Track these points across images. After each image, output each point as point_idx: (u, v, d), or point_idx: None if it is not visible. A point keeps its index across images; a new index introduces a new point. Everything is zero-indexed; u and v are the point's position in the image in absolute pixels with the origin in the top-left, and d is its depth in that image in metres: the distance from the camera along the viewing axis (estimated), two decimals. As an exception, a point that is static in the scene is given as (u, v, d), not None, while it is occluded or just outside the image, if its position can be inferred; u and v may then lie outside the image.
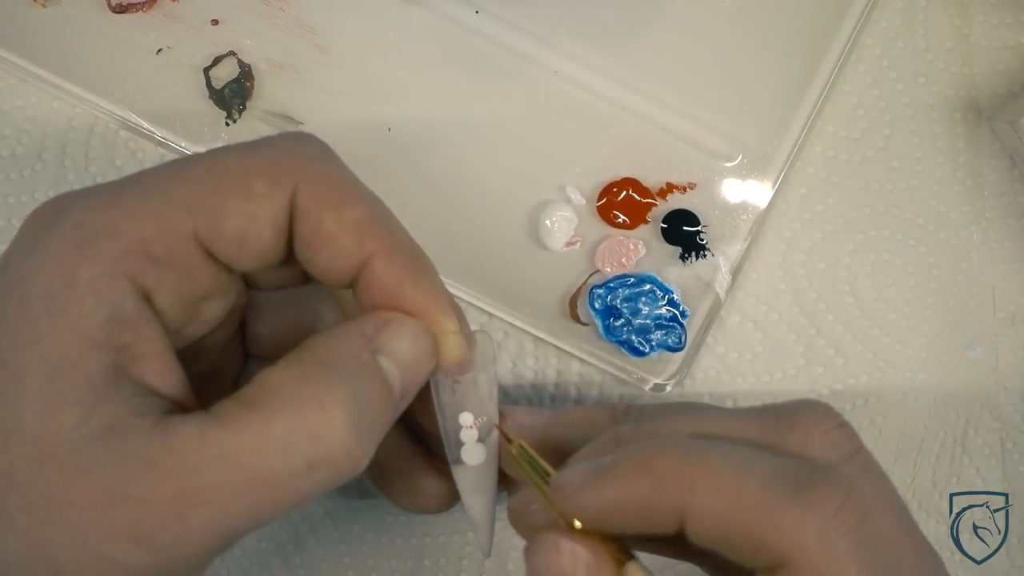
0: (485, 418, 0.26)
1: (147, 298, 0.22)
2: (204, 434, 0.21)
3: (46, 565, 0.21)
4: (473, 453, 0.26)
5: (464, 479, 0.27)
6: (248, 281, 0.27)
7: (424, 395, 0.25)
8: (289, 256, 0.25)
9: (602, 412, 0.28)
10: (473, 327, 0.36)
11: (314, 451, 0.21)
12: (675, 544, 0.23)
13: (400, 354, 0.24)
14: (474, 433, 0.26)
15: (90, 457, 0.20)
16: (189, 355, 0.24)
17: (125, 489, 0.20)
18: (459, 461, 0.26)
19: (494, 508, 0.27)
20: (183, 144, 0.35)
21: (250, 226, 0.23)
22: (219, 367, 0.28)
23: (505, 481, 0.27)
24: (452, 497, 0.29)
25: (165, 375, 0.22)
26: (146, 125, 0.35)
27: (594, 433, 0.26)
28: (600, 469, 0.23)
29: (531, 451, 0.25)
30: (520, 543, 0.24)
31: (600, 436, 0.25)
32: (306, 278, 0.28)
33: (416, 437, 0.29)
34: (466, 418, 0.26)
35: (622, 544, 0.23)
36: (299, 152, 0.25)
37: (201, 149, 0.35)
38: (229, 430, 0.21)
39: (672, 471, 0.22)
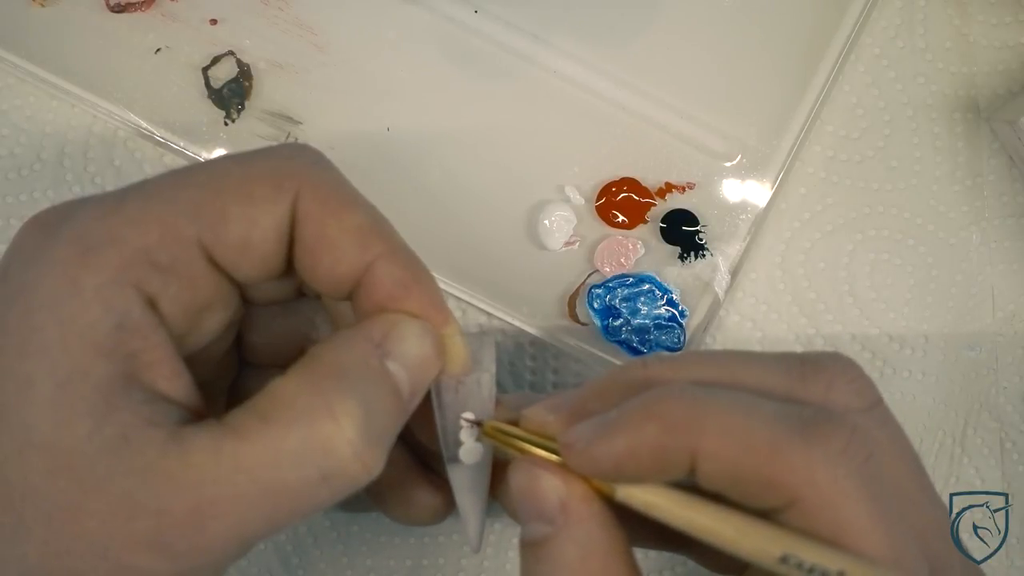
0: (485, 417, 0.26)
1: (152, 305, 0.23)
2: (219, 446, 0.21)
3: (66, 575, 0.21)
4: (471, 452, 0.27)
5: (459, 477, 0.27)
6: (244, 296, 0.27)
7: (419, 404, 0.25)
8: (286, 268, 0.25)
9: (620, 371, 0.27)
10: (472, 327, 0.36)
11: (327, 463, 0.22)
12: (667, 535, 0.23)
13: (408, 357, 0.24)
14: (474, 432, 0.26)
15: (106, 468, 0.21)
16: (187, 365, 0.24)
17: (144, 500, 0.21)
18: (456, 460, 0.27)
19: (486, 506, 0.27)
20: (182, 144, 0.35)
21: (252, 231, 0.23)
22: (216, 376, 0.28)
23: (498, 479, 0.27)
24: (445, 509, 0.29)
25: (174, 381, 0.22)
26: (144, 125, 0.35)
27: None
28: (607, 422, 0.23)
29: (503, 426, 0.25)
30: (518, 542, 0.24)
31: (604, 383, 0.25)
32: (300, 292, 0.28)
33: (409, 448, 0.29)
34: (468, 417, 0.26)
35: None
36: (299, 159, 0.25)
37: (200, 149, 0.35)
38: (244, 442, 0.21)
39: (680, 415, 0.22)
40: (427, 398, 0.26)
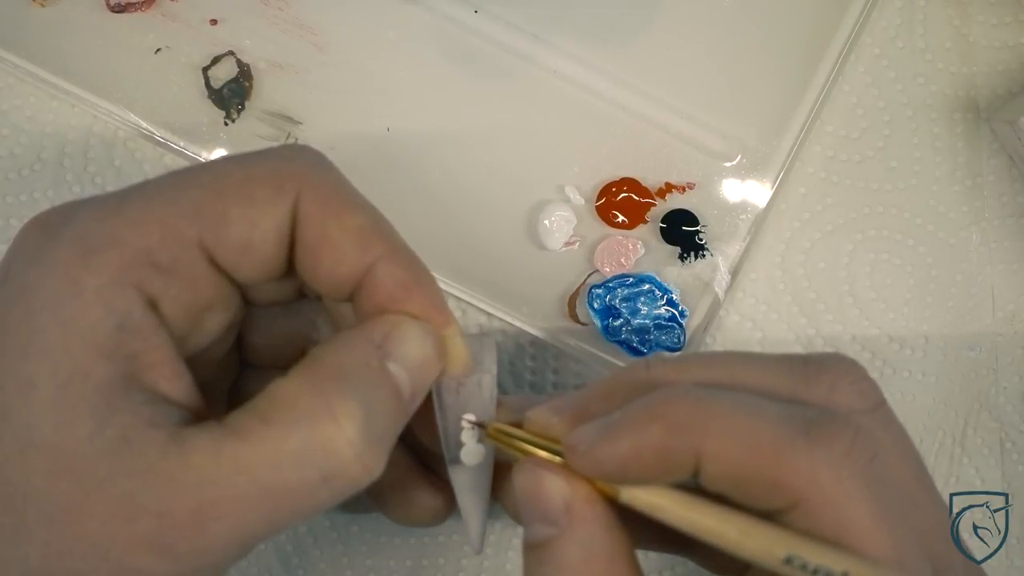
0: (486, 419, 0.26)
1: (153, 306, 0.23)
2: (220, 448, 0.21)
3: None
4: (472, 453, 0.27)
5: (461, 479, 0.27)
6: (245, 297, 0.27)
7: (420, 405, 0.26)
8: (287, 269, 0.25)
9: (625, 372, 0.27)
10: (472, 327, 0.36)
11: (328, 464, 0.22)
12: (670, 536, 0.23)
13: (408, 359, 0.24)
14: (475, 433, 0.26)
15: (107, 470, 0.21)
16: (188, 366, 0.24)
17: (145, 502, 0.21)
18: (457, 461, 0.27)
19: (488, 507, 0.27)
20: (182, 144, 0.35)
21: (253, 233, 0.24)
22: (216, 377, 0.28)
23: (499, 480, 0.27)
24: (445, 510, 0.29)
25: (175, 381, 0.23)
26: (145, 125, 0.35)
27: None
28: (610, 423, 0.23)
29: (506, 427, 0.25)
30: (518, 543, 0.24)
31: (611, 383, 0.25)
32: (301, 293, 0.28)
33: (410, 450, 0.29)
34: (470, 418, 0.26)
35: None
36: (300, 161, 0.25)
37: (200, 149, 0.35)
38: (244, 444, 0.21)
39: (684, 417, 0.22)
40: (428, 399, 0.26)
